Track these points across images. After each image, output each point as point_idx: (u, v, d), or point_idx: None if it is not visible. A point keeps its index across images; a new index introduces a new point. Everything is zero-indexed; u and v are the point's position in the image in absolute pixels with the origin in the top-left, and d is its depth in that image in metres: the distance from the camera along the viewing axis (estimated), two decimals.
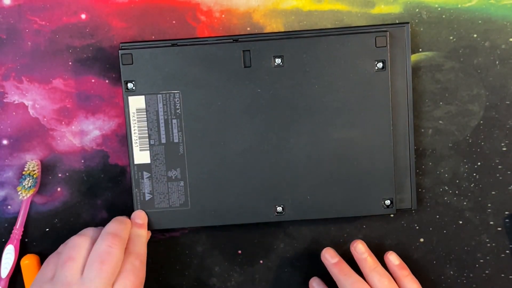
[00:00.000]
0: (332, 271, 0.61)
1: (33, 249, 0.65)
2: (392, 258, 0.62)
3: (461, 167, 0.63)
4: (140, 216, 0.61)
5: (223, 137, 0.61)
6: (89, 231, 0.59)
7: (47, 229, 0.64)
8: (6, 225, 0.64)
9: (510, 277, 0.65)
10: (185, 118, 0.61)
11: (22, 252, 0.64)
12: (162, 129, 0.61)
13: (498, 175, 0.63)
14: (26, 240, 0.64)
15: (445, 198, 0.64)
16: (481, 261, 0.64)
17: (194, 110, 0.61)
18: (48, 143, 0.63)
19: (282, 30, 0.62)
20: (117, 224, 0.59)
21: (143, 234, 0.60)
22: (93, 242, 0.57)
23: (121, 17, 0.62)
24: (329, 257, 0.61)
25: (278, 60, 0.60)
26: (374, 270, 0.60)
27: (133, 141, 0.61)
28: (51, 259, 0.58)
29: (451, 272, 0.65)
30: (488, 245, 0.64)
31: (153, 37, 0.62)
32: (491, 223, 0.64)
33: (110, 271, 0.55)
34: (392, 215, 0.64)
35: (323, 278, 0.64)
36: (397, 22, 0.62)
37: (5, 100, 0.63)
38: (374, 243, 0.64)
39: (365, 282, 0.59)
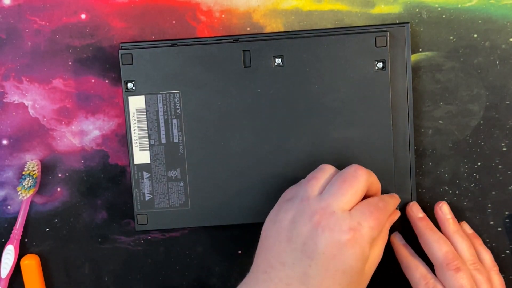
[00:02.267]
0: (417, 225, 0.61)
1: (33, 249, 0.65)
2: (466, 227, 0.63)
3: (461, 167, 0.63)
4: (396, 196, 0.60)
5: (223, 137, 0.61)
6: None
7: (47, 229, 0.64)
8: (6, 225, 0.64)
9: (510, 277, 0.65)
10: (185, 118, 0.61)
11: (22, 252, 0.64)
12: (162, 129, 0.61)
13: (498, 175, 0.63)
14: (26, 240, 0.64)
15: (445, 198, 0.64)
16: None
17: (194, 110, 0.61)
18: (48, 143, 0.63)
19: (282, 30, 0.62)
20: (371, 172, 0.57)
21: (397, 200, 0.59)
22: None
23: (121, 17, 0.62)
24: (416, 211, 0.62)
25: (278, 60, 0.60)
26: (456, 232, 0.61)
27: (133, 141, 0.61)
28: (292, 188, 0.57)
29: None
30: (488, 245, 0.64)
31: (153, 37, 0.62)
32: (491, 223, 0.64)
33: (350, 191, 0.54)
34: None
35: None
36: (397, 22, 0.62)
37: (5, 100, 0.63)
38: None
39: (448, 241, 0.59)
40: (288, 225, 0.54)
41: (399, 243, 0.62)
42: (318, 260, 0.52)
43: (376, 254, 0.55)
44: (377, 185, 0.57)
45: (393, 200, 0.58)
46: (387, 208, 0.56)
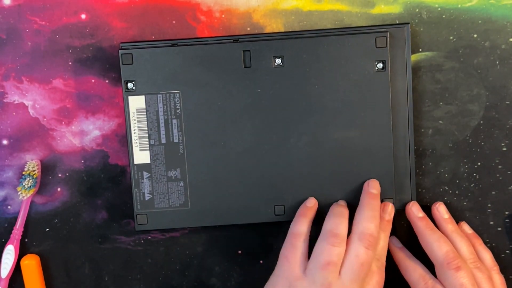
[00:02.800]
0: (417, 224, 0.61)
1: (33, 249, 0.65)
2: (466, 227, 0.63)
3: (461, 167, 0.63)
4: (388, 209, 0.61)
5: (223, 137, 0.61)
6: (340, 228, 0.58)
7: (47, 229, 0.64)
8: (6, 225, 0.64)
9: (510, 277, 0.65)
10: (185, 118, 0.61)
11: (22, 252, 0.64)
12: (162, 129, 0.61)
13: (498, 175, 0.63)
14: (26, 240, 0.64)
15: (445, 198, 0.64)
16: None
17: (194, 110, 0.61)
18: (48, 143, 0.63)
19: (282, 30, 0.62)
20: (370, 222, 0.58)
21: (389, 230, 0.61)
22: (346, 239, 0.58)
23: (121, 17, 0.62)
24: (416, 211, 0.62)
25: (278, 60, 0.60)
26: (454, 231, 0.61)
27: (133, 141, 0.61)
28: (291, 252, 0.58)
29: None
30: (488, 245, 0.64)
31: (153, 37, 0.62)
32: (491, 223, 0.64)
33: (366, 271, 0.57)
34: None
35: None
36: (397, 22, 0.62)
37: (5, 100, 0.63)
38: None
39: (448, 241, 0.60)
40: None
41: (396, 246, 0.63)
42: None
43: None
44: (377, 226, 0.59)
45: (385, 238, 0.60)
46: (383, 260, 0.59)
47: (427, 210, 0.63)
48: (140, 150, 0.61)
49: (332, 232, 0.57)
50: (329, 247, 0.57)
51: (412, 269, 0.60)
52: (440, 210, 0.62)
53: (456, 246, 0.60)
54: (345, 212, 0.59)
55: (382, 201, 0.61)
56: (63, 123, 0.63)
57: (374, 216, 0.58)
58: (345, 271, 0.56)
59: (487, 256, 0.61)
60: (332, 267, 0.56)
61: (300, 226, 0.59)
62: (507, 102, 0.63)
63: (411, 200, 0.62)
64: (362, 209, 0.59)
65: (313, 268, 0.57)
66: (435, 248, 0.59)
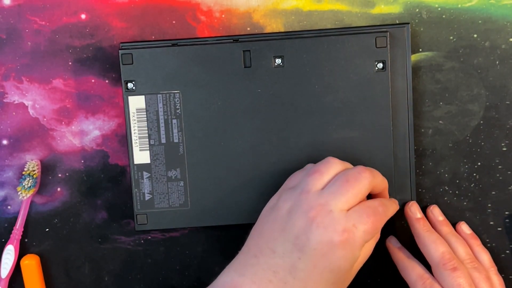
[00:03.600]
0: (414, 225, 0.61)
1: (33, 249, 0.65)
2: (464, 227, 0.63)
3: (461, 167, 0.63)
4: (396, 201, 0.59)
5: (223, 137, 0.61)
6: (347, 163, 0.57)
7: (47, 229, 0.64)
8: (6, 225, 0.64)
9: (510, 277, 0.65)
10: (185, 118, 0.61)
11: (22, 252, 0.64)
12: (162, 129, 0.61)
13: (498, 175, 0.63)
14: (26, 240, 0.64)
15: (445, 198, 0.64)
16: None
17: (194, 110, 0.61)
18: (48, 143, 0.63)
19: (282, 30, 0.62)
20: (376, 173, 0.57)
21: (396, 206, 0.58)
22: (346, 168, 0.56)
23: (121, 17, 0.62)
24: (414, 211, 0.62)
25: (278, 60, 0.60)
26: (450, 233, 0.61)
27: (133, 141, 0.61)
28: (297, 173, 0.57)
29: None
30: (488, 245, 0.64)
31: (153, 37, 0.62)
32: (491, 223, 0.64)
33: (351, 192, 0.53)
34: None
35: None
36: (397, 22, 0.62)
37: (5, 100, 0.63)
38: None
39: (445, 242, 0.60)
40: (285, 215, 0.54)
41: (394, 246, 0.62)
42: (308, 255, 0.52)
43: (366, 254, 0.55)
44: (382, 184, 0.57)
45: (394, 206, 0.58)
46: (386, 214, 0.55)
47: (426, 211, 0.63)
48: (140, 150, 0.61)
49: (334, 158, 0.57)
50: (325, 161, 0.56)
51: (410, 269, 0.60)
52: (435, 212, 0.63)
53: (452, 247, 0.60)
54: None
55: None
56: (63, 123, 0.63)
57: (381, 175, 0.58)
58: (329, 184, 0.55)
59: (485, 256, 0.61)
60: (318, 175, 0.55)
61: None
62: (507, 102, 0.63)
63: (411, 200, 0.62)
64: None
65: (301, 176, 0.56)
66: (431, 249, 0.59)
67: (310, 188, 0.54)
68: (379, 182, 0.57)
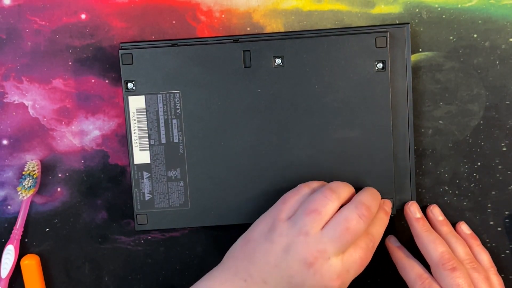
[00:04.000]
0: (414, 225, 0.61)
1: (33, 249, 0.65)
2: (464, 227, 0.63)
3: (461, 167, 0.63)
4: (389, 205, 0.60)
5: (223, 137, 0.61)
6: (342, 189, 0.57)
7: (47, 229, 0.64)
8: (6, 225, 0.64)
9: (510, 277, 0.65)
10: (185, 118, 0.61)
11: (22, 252, 0.64)
12: (162, 129, 0.61)
13: (498, 175, 0.63)
14: (26, 240, 0.64)
15: (445, 198, 0.64)
16: None
17: (194, 110, 0.61)
18: (48, 143, 0.63)
19: (282, 30, 0.62)
20: (372, 199, 0.57)
21: (386, 222, 0.59)
22: (342, 203, 0.57)
23: (121, 17, 0.62)
24: (414, 211, 0.61)
25: (278, 60, 0.60)
26: (450, 233, 0.61)
27: (133, 141, 0.61)
28: (291, 199, 0.57)
29: None
30: (488, 245, 0.64)
31: (153, 37, 0.62)
32: (491, 223, 0.64)
33: (349, 239, 0.54)
34: (392, 216, 0.64)
35: None
36: (397, 22, 0.62)
37: (5, 100, 0.63)
38: None
39: (444, 242, 0.60)
40: (280, 252, 0.54)
41: (394, 245, 0.62)
42: None
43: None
44: (378, 204, 0.58)
45: (383, 225, 0.58)
46: (375, 244, 0.57)
47: (426, 211, 0.63)
48: (140, 150, 0.61)
49: (331, 188, 0.57)
50: (322, 197, 0.56)
51: (409, 268, 0.60)
52: (435, 212, 0.63)
53: (451, 247, 0.60)
54: (351, 186, 0.59)
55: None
56: (63, 123, 0.63)
57: (375, 197, 0.58)
58: (328, 228, 0.55)
59: (485, 257, 0.61)
60: (316, 215, 0.55)
61: (313, 183, 0.59)
62: (507, 102, 0.63)
63: (411, 200, 0.62)
64: (364, 190, 0.59)
65: (298, 213, 0.56)
66: (430, 249, 0.59)
67: (309, 230, 0.54)
68: (375, 210, 0.57)
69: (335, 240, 0.54)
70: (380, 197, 0.59)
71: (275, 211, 0.57)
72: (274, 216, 0.57)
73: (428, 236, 0.60)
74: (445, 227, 0.62)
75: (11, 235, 0.63)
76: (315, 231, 0.54)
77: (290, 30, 0.62)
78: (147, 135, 0.61)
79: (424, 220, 0.61)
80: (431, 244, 0.59)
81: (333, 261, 0.54)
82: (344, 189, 0.58)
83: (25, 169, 0.62)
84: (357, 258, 0.55)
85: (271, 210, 0.58)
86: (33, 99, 0.63)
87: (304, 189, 0.58)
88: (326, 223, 0.55)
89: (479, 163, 0.63)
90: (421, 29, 0.62)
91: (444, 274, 0.57)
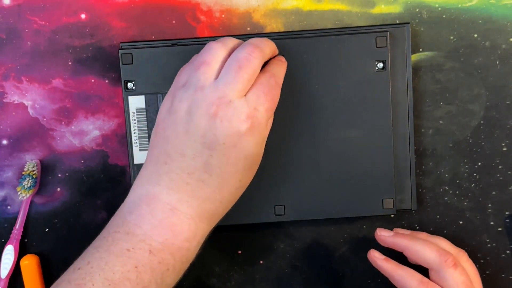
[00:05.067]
0: (400, 239, 0.60)
1: (33, 249, 0.65)
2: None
3: (461, 167, 0.63)
4: (282, 58, 0.58)
5: None
6: (228, 40, 0.56)
7: (47, 229, 0.64)
8: (5, 225, 0.64)
9: (511, 277, 0.65)
10: None
11: (22, 252, 0.64)
12: None
13: (498, 175, 0.63)
14: (26, 240, 0.64)
15: (445, 198, 0.64)
16: (482, 261, 0.64)
17: None
18: (48, 143, 0.63)
19: (282, 30, 0.62)
20: (261, 39, 0.56)
21: (284, 65, 0.57)
22: (231, 51, 0.55)
23: (121, 17, 0.62)
24: (386, 232, 0.61)
25: None
26: (427, 236, 0.61)
27: (133, 141, 0.61)
28: (184, 68, 0.56)
29: None
30: (489, 245, 0.64)
31: (153, 37, 0.62)
32: (492, 223, 0.64)
33: (246, 77, 0.52)
34: (392, 216, 0.64)
35: (325, 279, 0.64)
36: (397, 22, 0.62)
37: (5, 100, 0.63)
38: (374, 243, 0.64)
39: (432, 242, 0.59)
40: (185, 116, 0.53)
41: (380, 258, 0.60)
42: (219, 150, 0.52)
43: (271, 123, 0.55)
44: (271, 51, 0.56)
45: (283, 68, 0.57)
46: (279, 82, 0.55)
47: (426, 211, 0.63)
48: (140, 150, 0.61)
49: (226, 40, 0.55)
50: (210, 48, 0.54)
51: (409, 276, 0.58)
52: (399, 231, 0.62)
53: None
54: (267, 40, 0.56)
55: (382, 201, 0.61)
56: (63, 123, 0.63)
57: (266, 43, 0.56)
58: (221, 74, 0.53)
59: (446, 244, 0.61)
60: (205, 66, 0.53)
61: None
62: (508, 102, 0.63)
63: (411, 200, 0.62)
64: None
65: (189, 71, 0.54)
66: (426, 252, 0.58)
67: (203, 83, 0.53)
68: (268, 52, 0.56)
69: (231, 82, 0.52)
70: (274, 45, 0.57)
71: (172, 85, 0.56)
72: (172, 90, 0.55)
73: (416, 243, 0.59)
74: (419, 235, 0.61)
75: (11, 235, 0.63)
76: (210, 82, 0.53)
77: (290, 30, 0.62)
78: (147, 135, 0.61)
79: (403, 232, 0.61)
80: (424, 247, 0.58)
81: (236, 103, 0.52)
82: (229, 38, 0.56)
83: (25, 169, 0.62)
84: (261, 94, 0.53)
85: (171, 88, 0.56)
86: (32, 99, 0.63)
87: (194, 56, 0.56)
88: (219, 72, 0.53)
89: (479, 163, 0.63)
90: (422, 29, 0.62)
91: (448, 273, 0.57)
